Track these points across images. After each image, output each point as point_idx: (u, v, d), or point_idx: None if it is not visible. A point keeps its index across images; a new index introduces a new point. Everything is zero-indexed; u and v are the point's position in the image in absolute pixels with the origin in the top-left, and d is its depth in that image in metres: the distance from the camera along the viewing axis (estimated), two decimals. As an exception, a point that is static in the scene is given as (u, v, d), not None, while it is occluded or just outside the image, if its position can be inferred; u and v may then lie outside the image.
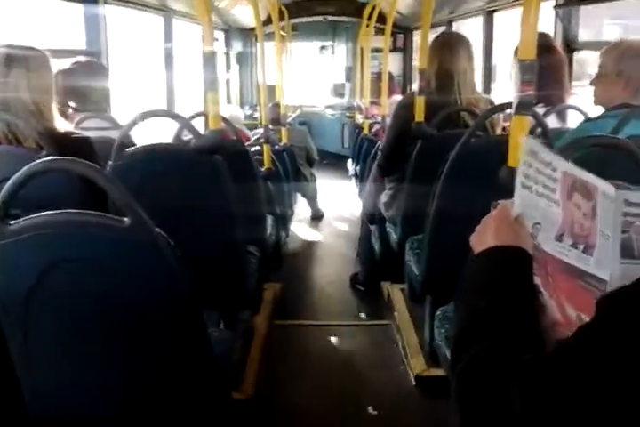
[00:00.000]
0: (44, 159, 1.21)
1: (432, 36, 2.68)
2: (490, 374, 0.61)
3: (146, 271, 1.20)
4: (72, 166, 1.19)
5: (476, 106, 2.44)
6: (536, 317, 0.70)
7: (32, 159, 1.21)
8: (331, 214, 5.30)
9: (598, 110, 2.05)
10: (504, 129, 2.49)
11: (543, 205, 0.74)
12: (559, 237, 0.72)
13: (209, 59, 1.87)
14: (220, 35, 6.56)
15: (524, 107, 1.51)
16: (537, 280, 0.74)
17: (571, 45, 3.12)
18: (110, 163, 1.84)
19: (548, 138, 1.93)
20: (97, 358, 1.29)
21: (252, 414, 2.14)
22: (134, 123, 1.88)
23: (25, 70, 1.73)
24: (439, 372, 2.17)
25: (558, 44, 2.96)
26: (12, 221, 1.17)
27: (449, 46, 2.48)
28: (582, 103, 2.56)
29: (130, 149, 1.88)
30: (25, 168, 1.16)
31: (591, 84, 2.04)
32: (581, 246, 0.69)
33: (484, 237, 0.80)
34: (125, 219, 1.15)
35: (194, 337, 1.25)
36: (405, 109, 2.52)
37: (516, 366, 0.58)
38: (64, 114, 2.29)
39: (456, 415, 0.65)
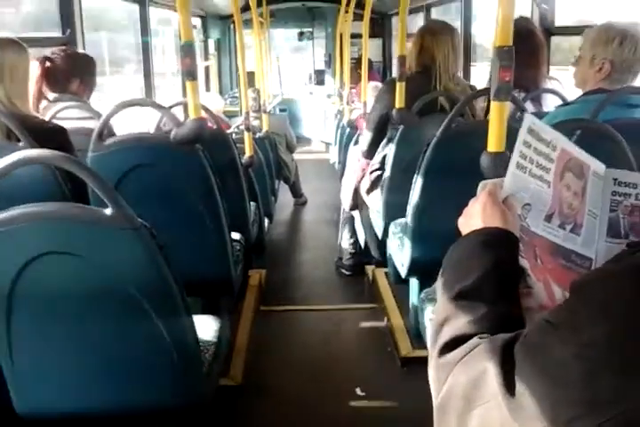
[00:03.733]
0: (24, 151, 1.20)
1: (410, 21, 2.69)
2: (470, 351, 0.62)
3: (129, 261, 1.20)
4: (52, 158, 1.18)
5: (454, 91, 2.46)
6: (519, 299, 0.70)
7: (10, 151, 1.19)
8: (313, 201, 5.31)
9: (577, 94, 2.07)
10: (487, 112, 2.50)
11: (535, 186, 0.74)
12: (548, 218, 0.72)
13: (187, 47, 1.86)
14: (197, 21, 6.49)
15: (502, 93, 1.51)
16: (524, 263, 0.74)
17: (548, 30, 3.14)
18: (89, 153, 1.83)
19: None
20: (81, 349, 1.29)
21: (242, 400, 2.16)
22: (114, 112, 1.86)
23: (0, 60, 1.70)
24: (424, 353, 2.19)
25: (536, 27, 2.97)
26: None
27: (433, 32, 2.49)
28: (562, 87, 2.59)
29: (109, 139, 1.87)
30: (4, 160, 1.15)
31: (572, 65, 2.06)
32: (569, 226, 0.69)
33: (471, 219, 0.80)
34: (107, 210, 1.15)
35: (179, 325, 1.26)
36: (389, 94, 2.53)
37: (496, 346, 0.59)
38: (38, 103, 2.27)
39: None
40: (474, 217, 0.79)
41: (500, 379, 0.56)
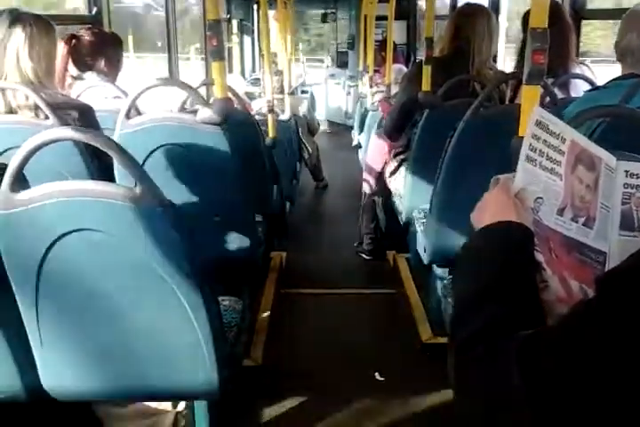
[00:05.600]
0: (54, 128, 1.20)
1: (437, 2, 2.65)
2: (489, 349, 0.61)
3: (156, 240, 1.20)
4: (83, 135, 1.18)
5: (487, 75, 2.42)
6: (537, 292, 0.70)
7: (38, 128, 1.20)
8: (335, 184, 5.29)
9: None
10: (511, 99, 2.47)
11: (546, 179, 0.73)
12: (560, 212, 0.71)
13: (214, 27, 1.84)
14: (220, 1, 6.45)
15: (534, 76, 1.49)
16: (539, 257, 0.74)
17: (579, 13, 3.06)
18: (117, 132, 1.84)
19: (557, 108, 1.91)
20: (107, 327, 1.30)
21: (262, 381, 2.18)
22: (142, 91, 1.86)
23: (28, 37, 1.70)
24: (445, 340, 2.20)
25: (566, 11, 2.90)
26: (22, 191, 1.17)
27: (469, 14, 2.46)
28: (592, 73, 2.53)
29: (135, 117, 1.87)
30: (35, 137, 1.16)
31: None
32: (582, 220, 0.68)
33: (484, 214, 0.79)
34: (135, 188, 1.15)
35: (205, 305, 1.26)
36: (416, 77, 2.49)
37: (516, 342, 0.58)
38: (64, 81, 2.28)
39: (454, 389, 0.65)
40: (487, 212, 0.79)
41: (521, 378, 0.55)
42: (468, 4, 2.66)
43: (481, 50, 2.43)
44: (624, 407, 0.48)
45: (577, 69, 2.55)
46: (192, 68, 5.63)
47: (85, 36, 2.35)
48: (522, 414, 0.55)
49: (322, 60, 8.76)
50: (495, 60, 3.91)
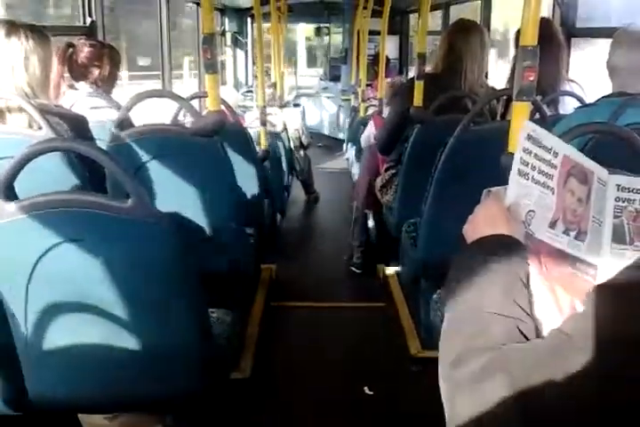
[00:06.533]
0: (47, 139, 1.20)
1: (429, 19, 2.67)
2: (481, 367, 0.62)
3: (148, 252, 1.20)
4: (76, 146, 1.18)
5: (478, 92, 2.44)
6: (529, 307, 0.70)
7: (32, 139, 1.20)
8: (326, 197, 5.30)
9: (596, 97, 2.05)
10: (502, 115, 2.49)
11: (538, 192, 0.73)
12: (552, 225, 0.72)
13: (208, 40, 1.86)
14: (214, 14, 6.47)
15: (524, 93, 1.51)
16: (530, 269, 0.74)
17: (570, 31, 3.11)
18: (109, 143, 1.84)
19: (546, 124, 1.94)
20: (95, 336, 1.30)
21: (251, 394, 2.17)
22: (134, 103, 1.86)
23: (23, 47, 1.70)
24: (434, 354, 2.19)
25: (557, 29, 2.94)
26: (15, 201, 1.17)
27: (463, 31, 2.47)
28: (582, 91, 2.56)
29: (128, 129, 1.87)
30: (27, 148, 1.16)
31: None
32: (573, 233, 0.69)
33: (476, 227, 0.80)
34: (129, 200, 1.16)
35: (195, 316, 1.26)
36: (409, 92, 2.51)
37: (508, 358, 0.59)
38: (59, 91, 2.28)
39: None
40: (479, 225, 0.79)
41: (511, 392, 0.56)
42: (461, 20, 2.69)
43: (473, 66, 2.45)
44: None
45: (567, 87, 2.58)
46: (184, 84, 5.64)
47: (82, 45, 2.36)
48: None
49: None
50: (487, 77, 3.96)
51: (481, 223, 0.79)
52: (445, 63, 2.50)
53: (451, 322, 0.72)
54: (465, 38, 2.44)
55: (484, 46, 2.48)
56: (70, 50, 2.32)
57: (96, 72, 2.38)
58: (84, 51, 2.35)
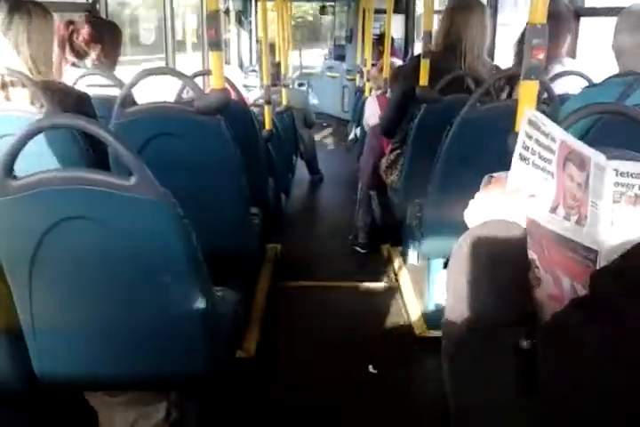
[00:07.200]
0: (50, 115, 1.19)
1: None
2: (486, 343, 0.62)
3: (152, 229, 1.20)
4: (78, 123, 1.17)
5: (479, 71, 2.41)
6: (530, 291, 0.70)
7: (34, 116, 1.19)
8: (330, 177, 5.29)
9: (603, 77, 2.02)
10: (509, 95, 2.46)
11: (539, 177, 0.73)
12: (553, 210, 0.71)
13: (212, 17, 1.83)
14: (219, -8, 6.40)
15: (533, 72, 1.49)
16: (532, 255, 0.74)
17: (577, 11, 3.06)
18: (112, 121, 1.82)
19: (554, 104, 1.91)
20: (100, 314, 1.30)
21: (255, 373, 2.18)
22: (137, 80, 1.84)
23: (26, 24, 1.69)
24: (438, 333, 2.21)
25: (564, 8, 2.89)
26: (18, 178, 1.16)
27: (463, 9, 2.43)
28: (579, 67, 2.50)
29: (131, 107, 1.86)
30: (30, 124, 1.15)
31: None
32: (574, 218, 0.68)
33: (477, 212, 0.79)
34: (131, 177, 1.15)
35: (199, 295, 1.26)
36: (412, 71, 2.49)
37: (507, 342, 0.58)
38: (61, 68, 2.26)
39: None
40: (480, 210, 0.79)
41: (513, 377, 0.56)
42: None
43: (473, 45, 2.41)
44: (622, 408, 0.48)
45: (557, 65, 2.50)
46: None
47: (83, 22, 2.33)
48: (517, 407, 0.56)
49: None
50: (492, 55, 3.91)
51: (482, 208, 0.79)
52: (445, 42, 2.46)
53: (453, 300, 0.72)
54: (465, 16, 2.40)
55: (484, 25, 2.44)
56: (71, 27, 2.30)
57: (97, 49, 2.35)
58: (85, 28, 2.32)
